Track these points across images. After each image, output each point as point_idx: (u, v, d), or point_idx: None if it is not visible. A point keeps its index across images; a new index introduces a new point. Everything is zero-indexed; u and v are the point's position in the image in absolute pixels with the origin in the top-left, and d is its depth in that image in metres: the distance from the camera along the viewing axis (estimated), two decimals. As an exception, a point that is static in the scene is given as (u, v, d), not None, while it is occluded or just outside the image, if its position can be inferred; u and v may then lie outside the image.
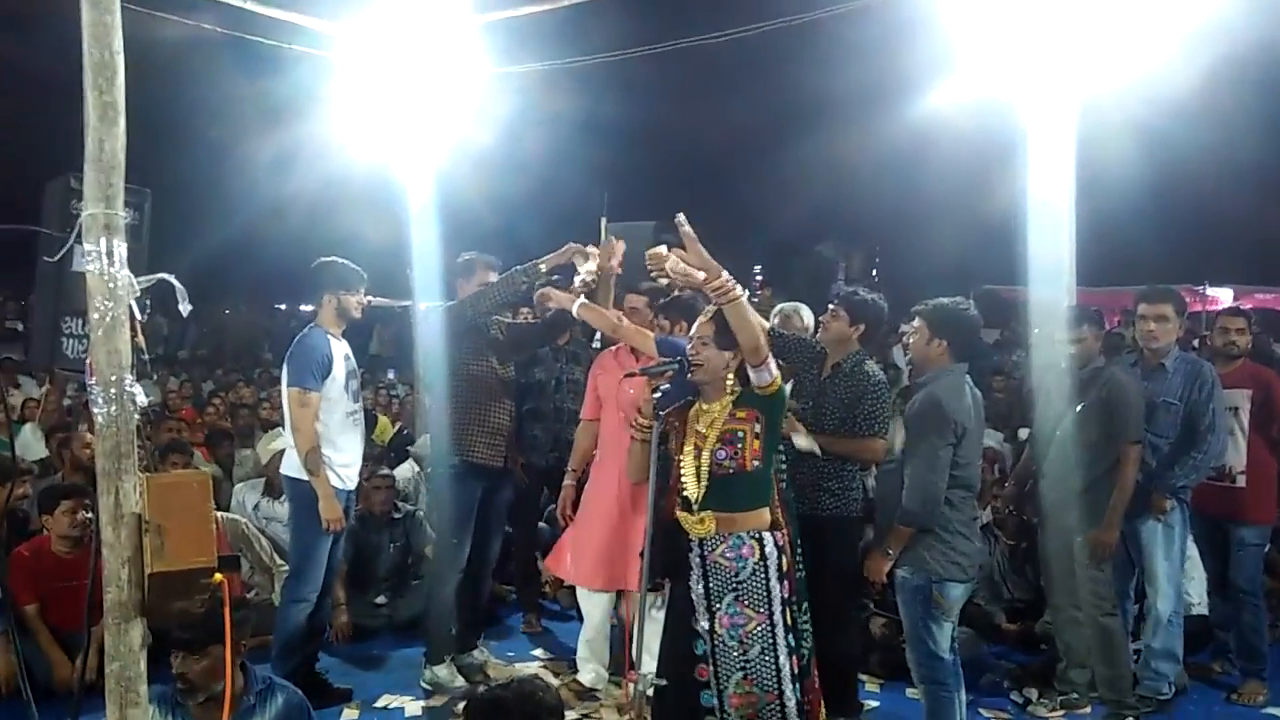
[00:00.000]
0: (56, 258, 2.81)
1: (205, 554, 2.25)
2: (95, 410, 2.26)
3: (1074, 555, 4.29)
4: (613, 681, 4.57)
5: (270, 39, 6.66)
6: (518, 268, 4.44)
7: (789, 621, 3.24)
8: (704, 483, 3.21)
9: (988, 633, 5.23)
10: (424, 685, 4.63)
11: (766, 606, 3.20)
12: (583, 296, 4.32)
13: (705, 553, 3.25)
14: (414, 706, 4.50)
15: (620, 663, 4.52)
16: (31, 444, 7.14)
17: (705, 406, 3.31)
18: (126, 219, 2.33)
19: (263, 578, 5.40)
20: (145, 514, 2.22)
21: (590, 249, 4.44)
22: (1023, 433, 6.27)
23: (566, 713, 2.90)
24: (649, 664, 3.54)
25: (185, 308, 2.55)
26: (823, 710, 3.47)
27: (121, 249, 2.28)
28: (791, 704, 3.19)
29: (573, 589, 4.93)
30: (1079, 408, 4.25)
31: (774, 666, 3.18)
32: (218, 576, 2.30)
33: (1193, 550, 4.86)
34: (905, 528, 3.61)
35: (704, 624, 3.23)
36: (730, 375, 3.26)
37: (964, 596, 3.74)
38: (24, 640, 4.04)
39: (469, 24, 6.60)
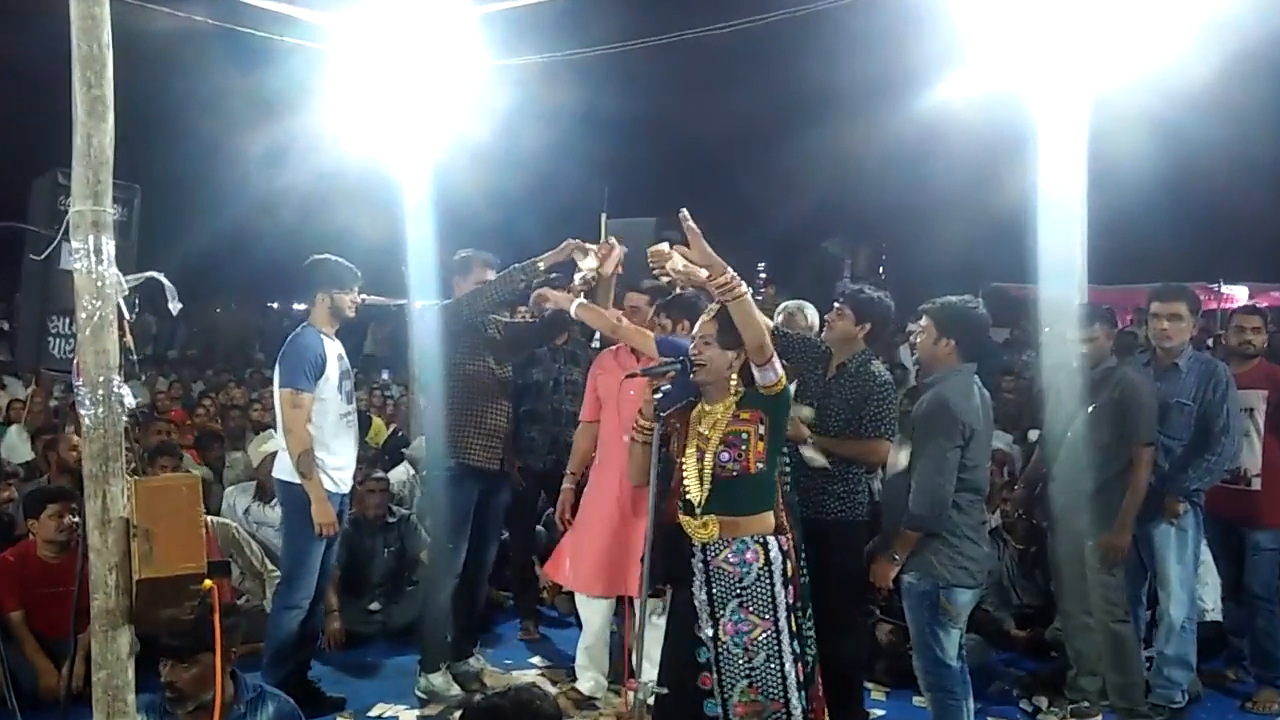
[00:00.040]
0: (43, 255, 2.82)
1: (195, 559, 2.26)
2: (82, 412, 2.27)
3: (1085, 560, 4.29)
4: (612, 690, 4.57)
5: (262, 31, 6.66)
6: (516, 265, 4.44)
7: (794, 628, 3.24)
8: (707, 486, 3.21)
9: (996, 639, 5.23)
10: (419, 694, 4.63)
11: (772, 613, 3.20)
12: (581, 296, 4.33)
13: (708, 558, 3.25)
14: (409, 715, 4.50)
15: (620, 670, 4.52)
16: (17, 446, 7.14)
17: (708, 407, 3.31)
18: (115, 215, 2.34)
19: (254, 583, 5.41)
20: (133, 518, 2.23)
21: (590, 245, 4.44)
22: (1033, 434, 6.27)
23: (565, 721, 2.91)
24: (649, 672, 3.54)
25: (175, 306, 2.56)
26: (827, 718, 3.47)
27: (110, 246, 2.29)
28: (798, 712, 3.19)
29: (571, 595, 4.93)
30: (1090, 409, 4.25)
31: (780, 674, 3.18)
32: (207, 583, 2.30)
33: (1206, 555, 4.85)
34: (912, 532, 3.61)
35: (707, 631, 3.23)
36: (734, 375, 3.26)
37: (972, 602, 3.74)
38: (9, 648, 4.03)
39: (466, 15, 6.60)
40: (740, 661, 3.19)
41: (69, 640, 3.32)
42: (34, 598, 4.50)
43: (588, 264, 4.35)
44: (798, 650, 3.24)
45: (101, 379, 2.26)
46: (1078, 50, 5.18)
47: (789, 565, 3.26)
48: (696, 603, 3.27)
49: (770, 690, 3.18)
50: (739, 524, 3.22)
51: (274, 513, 5.52)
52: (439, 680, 4.62)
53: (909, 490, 3.63)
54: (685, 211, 3.14)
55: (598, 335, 5.64)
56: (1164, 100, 6.22)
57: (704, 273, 3.31)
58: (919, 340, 3.80)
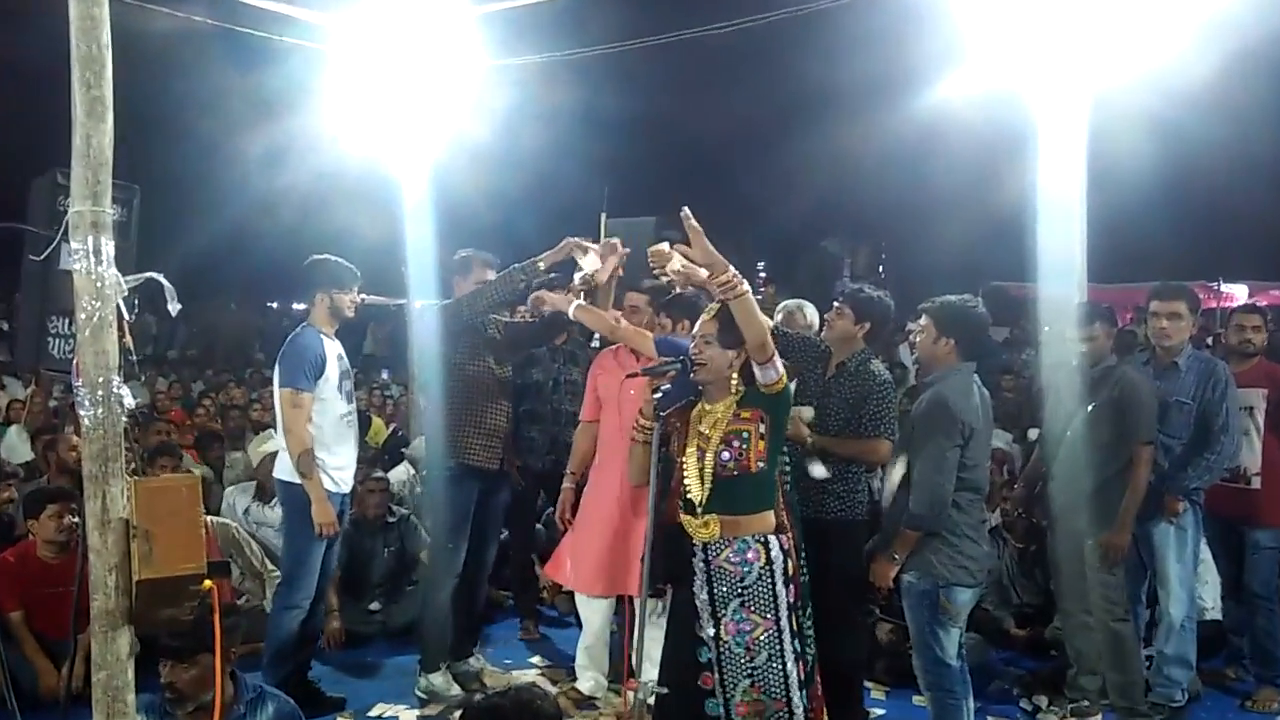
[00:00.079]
0: (43, 256, 2.82)
1: (194, 560, 2.26)
2: (82, 412, 2.27)
3: (1085, 559, 4.29)
4: (612, 690, 4.57)
5: (261, 31, 6.66)
6: (516, 265, 4.44)
7: (795, 627, 3.24)
8: (708, 485, 3.21)
9: (996, 638, 5.23)
10: (419, 694, 4.63)
11: (773, 612, 3.20)
12: (579, 298, 4.32)
13: (709, 557, 3.25)
14: (409, 715, 4.51)
15: (620, 670, 4.52)
16: (17, 446, 7.15)
17: (708, 407, 3.31)
18: (114, 216, 2.35)
19: (253, 584, 5.41)
20: (133, 519, 2.23)
21: (590, 244, 4.43)
22: (1032, 433, 6.27)
23: (565, 721, 2.92)
24: (650, 672, 3.55)
25: (174, 307, 2.56)
26: (826, 718, 3.47)
27: (109, 247, 2.29)
28: (800, 711, 3.20)
29: (571, 594, 4.93)
30: (1090, 408, 4.25)
31: (782, 673, 3.19)
32: (207, 583, 2.30)
33: (1206, 554, 4.86)
34: (912, 531, 3.61)
35: (709, 631, 3.24)
36: (734, 374, 3.27)
37: (972, 601, 3.74)
38: (8, 648, 4.04)
39: (465, 15, 6.60)
40: (743, 661, 3.20)
41: (69, 641, 3.32)
42: (34, 598, 4.50)
43: (589, 263, 4.34)
44: (799, 649, 3.24)
45: (101, 379, 2.26)
46: (1077, 49, 5.18)
47: (790, 564, 3.26)
48: (698, 602, 3.27)
49: (773, 689, 3.18)
50: (740, 523, 3.23)
51: (274, 513, 5.52)
52: (439, 680, 4.62)
53: (909, 490, 3.64)
54: (687, 209, 3.15)
55: (597, 335, 5.64)
56: (1164, 99, 6.21)
57: (704, 272, 3.31)
58: (918, 339, 3.80)
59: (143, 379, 10.07)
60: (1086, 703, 4.42)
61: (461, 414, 4.56)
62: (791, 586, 3.25)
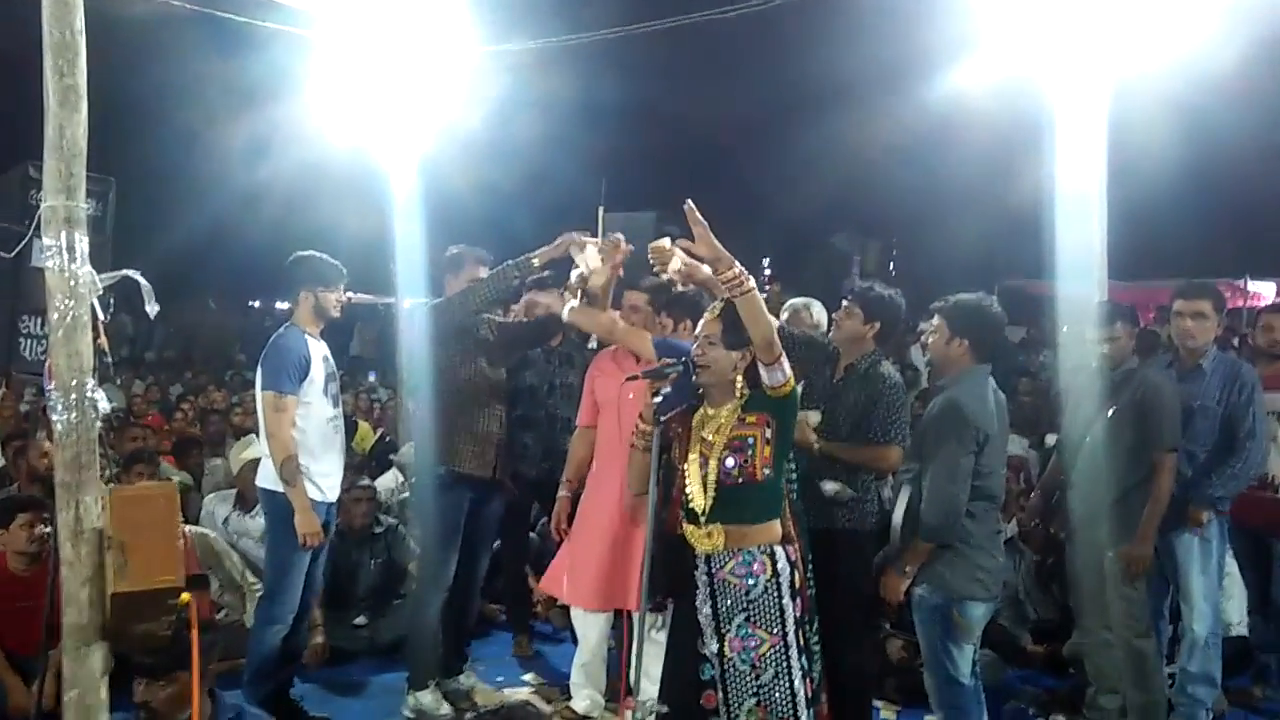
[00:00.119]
0: (13, 253, 2.83)
1: (171, 572, 2.26)
2: (54, 417, 2.27)
3: (1105, 572, 4.29)
4: (609, 709, 4.57)
5: (242, 16, 6.67)
6: (509, 262, 4.44)
7: (801, 642, 3.24)
8: (711, 493, 3.21)
9: (1012, 655, 5.23)
10: (407, 713, 4.62)
11: (780, 627, 3.19)
12: (574, 299, 4.31)
13: (713, 570, 3.24)
14: (397, 734, 4.52)
15: (617, 689, 4.52)
16: (-14, 452, 7.14)
17: (711, 411, 3.30)
18: (89, 210, 2.35)
19: (233, 597, 5.40)
20: (107, 529, 2.23)
21: (589, 239, 4.42)
22: (1050, 439, 6.28)
23: (560, 741, 2.92)
24: (649, 690, 3.54)
25: (152, 307, 2.56)
26: (832, 736, 3.48)
27: (83, 243, 2.29)
28: (806, 730, 3.20)
29: (566, 609, 4.93)
30: (1110, 412, 4.25)
31: (789, 691, 3.18)
32: (185, 597, 2.31)
33: (1232, 566, 4.86)
34: (923, 543, 3.61)
35: (712, 647, 3.23)
36: (739, 377, 3.26)
37: (986, 616, 3.74)
38: (-23, 664, 4.04)
39: (456, -1, 6.62)
40: (748, 679, 3.19)
41: (40, 657, 3.33)
42: (2, 613, 4.48)
43: (589, 259, 4.31)
44: (805, 666, 3.24)
45: (75, 382, 2.26)
46: (1097, 35, 5.19)
47: (796, 576, 3.26)
48: (700, 617, 3.26)
49: (779, 708, 3.17)
50: (745, 534, 3.22)
51: (255, 522, 5.52)
52: (428, 699, 4.62)
53: (921, 499, 3.64)
54: (690, 203, 3.14)
55: (594, 336, 5.64)
56: (1188, 87, 6.22)
57: (707, 269, 3.31)
58: (931, 340, 3.81)
59: (118, 382, 10.07)
60: (1107, 722, 4.42)
61: (452, 419, 4.56)
62: (798, 600, 3.25)
